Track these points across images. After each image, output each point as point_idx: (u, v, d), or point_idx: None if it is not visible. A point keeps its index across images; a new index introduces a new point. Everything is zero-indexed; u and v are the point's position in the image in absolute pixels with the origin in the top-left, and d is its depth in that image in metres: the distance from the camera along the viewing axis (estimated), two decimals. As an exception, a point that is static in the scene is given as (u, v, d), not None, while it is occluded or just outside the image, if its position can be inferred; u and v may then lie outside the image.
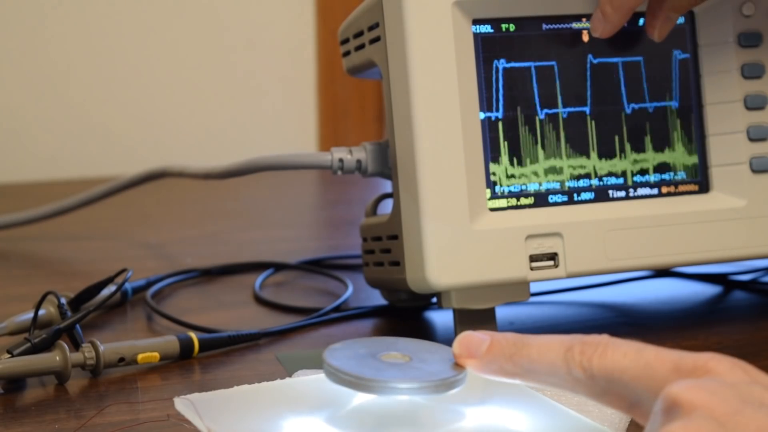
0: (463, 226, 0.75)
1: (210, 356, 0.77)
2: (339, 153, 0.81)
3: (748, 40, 0.81)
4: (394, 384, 0.54)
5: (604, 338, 0.51)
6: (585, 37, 0.80)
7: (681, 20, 0.81)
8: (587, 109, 0.79)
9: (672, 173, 0.81)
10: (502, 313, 0.85)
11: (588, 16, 0.79)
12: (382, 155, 0.81)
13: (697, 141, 0.81)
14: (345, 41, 0.84)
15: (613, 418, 0.62)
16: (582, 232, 0.77)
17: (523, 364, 0.53)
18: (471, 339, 0.56)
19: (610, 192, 0.79)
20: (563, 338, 0.53)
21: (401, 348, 0.58)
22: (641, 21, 0.80)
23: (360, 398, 0.57)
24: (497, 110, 0.77)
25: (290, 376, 0.70)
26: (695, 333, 0.80)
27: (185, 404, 0.56)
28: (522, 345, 0.54)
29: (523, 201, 0.78)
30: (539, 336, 0.54)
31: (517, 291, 0.77)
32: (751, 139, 0.81)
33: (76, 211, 1.13)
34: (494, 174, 0.77)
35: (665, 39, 0.80)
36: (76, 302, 0.83)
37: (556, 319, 0.86)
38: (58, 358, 0.71)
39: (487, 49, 0.77)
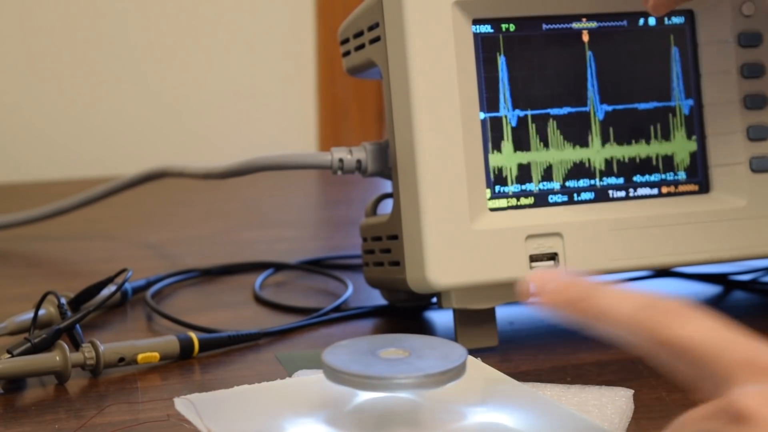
0: (463, 226, 0.75)
1: (210, 356, 0.77)
2: (339, 153, 0.82)
3: (748, 40, 0.81)
4: (391, 380, 0.54)
5: (677, 306, 0.50)
6: (585, 37, 0.80)
7: (681, 20, 0.81)
8: (587, 109, 0.79)
9: (672, 173, 0.81)
10: (502, 313, 0.85)
11: (588, 16, 0.79)
12: (382, 155, 0.81)
13: (697, 141, 0.81)
14: (345, 41, 0.84)
15: (613, 417, 0.62)
16: (582, 232, 0.77)
17: (592, 310, 0.52)
18: (547, 274, 0.54)
19: (610, 192, 0.79)
20: (636, 297, 0.51)
21: (403, 344, 0.58)
22: (641, 21, 0.80)
23: (360, 398, 0.57)
24: (497, 110, 0.77)
25: (290, 376, 0.70)
26: (695, 333, 0.80)
27: (185, 404, 0.56)
28: (595, 293, 0.52)
29: (523, 201, 0.78)
30: (611, 287, 0.52)
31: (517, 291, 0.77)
32: (751, 139, 0.81)
33: (76, 211, 1.13)
34: (494, 174, 0.77)
35: (665, 38, 0.81)
36: (76, 302, 0.83)
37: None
38: (58, 358, 0.71)
39: (487, 49, 0.77)
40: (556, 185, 0.78)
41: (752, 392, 0.45)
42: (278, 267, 1.01)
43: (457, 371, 0.55)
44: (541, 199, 0.78)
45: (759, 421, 0.44)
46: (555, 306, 0.54)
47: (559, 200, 0.79)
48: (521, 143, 0.78)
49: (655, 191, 0.80)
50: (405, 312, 0.87)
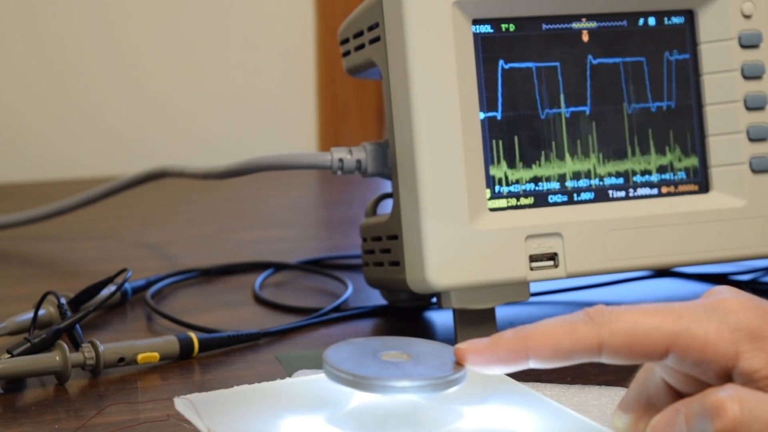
0: (463, 226, 0.75)
1: (210, 356, 0.78)
2: (339, 153, 0.81)
3: (748, 40, 0.81)
4: (391, 383, 0.54)
5: (606, 308, 0.52)
6: (585, 37, 0.80)
7: (681, 20, 0.81)
8: (587, 109, 0.79)
9: (672, 173, 0.81)
10: (502, 313, 0.85)
11: (588, 16, 0.79)
12: (382, 155, 0.81)
13: (697, 141, 0.81)
14: (345, 41, 0.84)
15: (613, 418, 0.62)
16: (582, 232, 0.77)
17: (531, 342, 0.53)
18: (471, 341, 0.55)
19: (610, 192, 0.79)
20: (558, 318, 0.53)
21: (403, 347, 0.58)
22: (641, 21, 0.80)
23: (360, 398, 0.57)
24: (497, 110, 0.77)
25: (290, 376, 0.70)
26: (695, 333, 0.80)
27: (185, 404, 0.56)
28: (523, 330, 0.53)
29: (523, 201, 0.78)
30: (535, 324, 0.53)
31: (517, 291, 0.77)
32: (751, 139, 0.81)
33: (76, 211, 1.13)
34: (494, 174, 0.77)
35: (665, 38, 0.81)
36: (76, 302, 0.83)
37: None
38: (58, 358, 0.71)
39: (487, 49, 0.77)
40: (555, 185, 0.78)
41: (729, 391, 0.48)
42: (278, 267, 1.01)
43: (458, 379, 0.55)
44: (541, 199, 0.78)
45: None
46: (493, 362, 0.54)
47: (559, 200, 0.79)
48: (521, 143, 0.78)
49: (654, 191, 0.80)
50: (405, 312, 0.87)
